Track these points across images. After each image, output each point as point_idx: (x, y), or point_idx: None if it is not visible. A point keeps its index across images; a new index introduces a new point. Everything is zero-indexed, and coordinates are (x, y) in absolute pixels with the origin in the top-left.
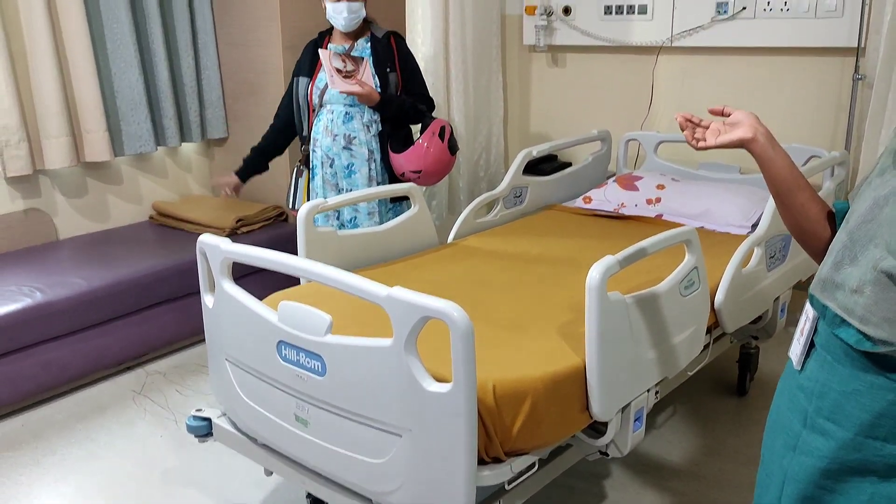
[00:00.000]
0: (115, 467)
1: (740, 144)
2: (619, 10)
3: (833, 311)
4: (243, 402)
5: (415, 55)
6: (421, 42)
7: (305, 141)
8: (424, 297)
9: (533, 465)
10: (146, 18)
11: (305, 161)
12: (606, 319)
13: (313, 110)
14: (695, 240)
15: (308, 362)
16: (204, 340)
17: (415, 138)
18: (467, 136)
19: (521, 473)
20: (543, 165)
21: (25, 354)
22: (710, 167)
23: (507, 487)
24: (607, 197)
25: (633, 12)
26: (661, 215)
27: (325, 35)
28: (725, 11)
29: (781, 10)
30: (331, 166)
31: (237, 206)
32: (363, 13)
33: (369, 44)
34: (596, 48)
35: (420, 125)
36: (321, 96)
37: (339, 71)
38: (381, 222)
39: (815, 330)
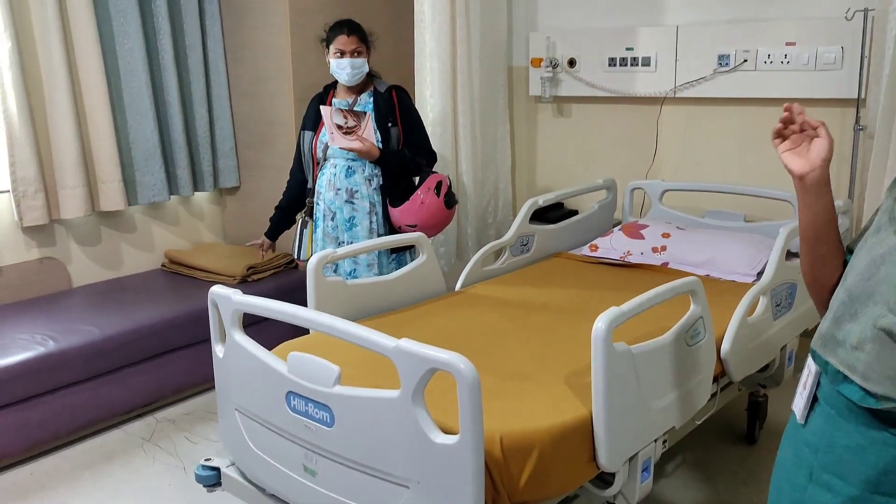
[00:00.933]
0: None
1: (791, 172)
2: (623, 62)
3: (835, 367)
4: (252, 452)
5: (424, 107)
6: (430, 94)
7: (310, 193)
8: (431, 349)
9: None
10: (162, 71)
11: (310, 212)
12: (613, 370)
13: (317, 164)
14: (699, 290)
15: (316, 413)
16: (213, 388)
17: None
18: (475, 184)
19: None
20: (550, 213)
21: (37, 402)
22: (716, 215)
23: None
24: (613, 245)
25: (637, 64)
26: (667, 263)
27: (330, 89)
28: (727, 64)
29: (782, 62)
30: (332, 219)
31: (248, 255)
32: (366, 68)
33: (372, 98)
34: (601, 99)
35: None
36: (325, 151)
37: (339, 127)
38: (381, 274)
39: (818, 384)
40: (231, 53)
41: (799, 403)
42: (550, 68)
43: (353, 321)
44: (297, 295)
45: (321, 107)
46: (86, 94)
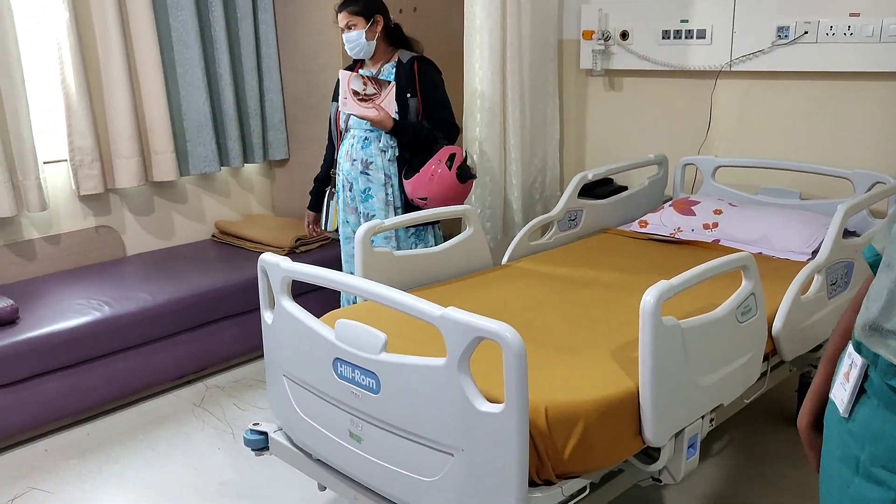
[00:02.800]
0: (173, 478)
1: None
2: (678, 34)
3: (886, 360)
4: (299, 418)
5: (472, 80)
6: (479, 67)
7: (334, 164)
8: (478, 317)
9: (584, 489)
10: (214, 43)
11: (334, 183)
12: (660, 344)
13: (341, 135)
14: (752, 265)
15: (363, 380)
16: (261, 356)
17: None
18: (522, 159)
19: (571, 497)
20: (599, 189)
21: (93, 366)
22: (770, 192)
23: None
24: (663, 221)
25: (692, 37)
26: (718, 240)
27: (359, 60)
28: (786, 36)
29: (845, 34)
30: (350, 190)
31: (296, 227)
32: (363, 41)
33: (395, 69)
34: (653, 72)
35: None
36: (346, 122)
37: (356, 93)
38: (399, 248)
39: (864, 376)
40: (282, 27)
41: (841, 395)
42: (602, 41)
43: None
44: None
45: (340, 71)
46: (140, 66)
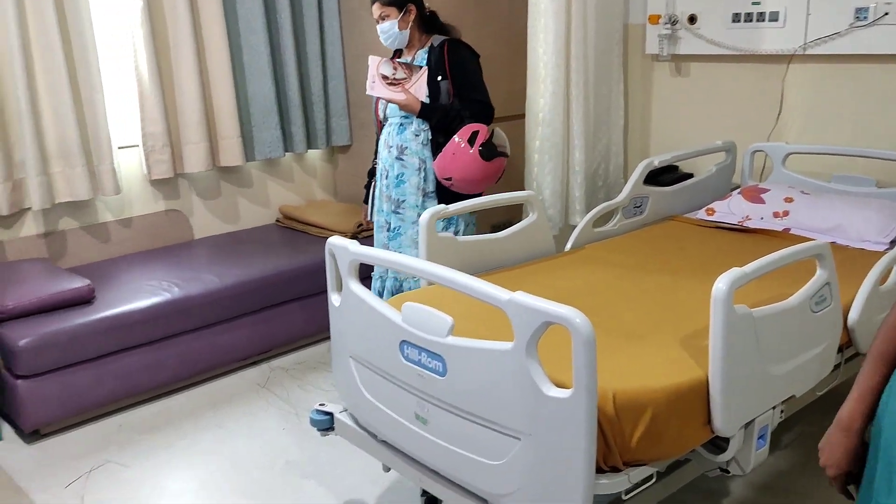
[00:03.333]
0: (241, 455)
1: None
2: (749, 17)
3: None
4: (365, 399)
5: (536, 65)
6: (542, 51)
7: (376, 155)
8: (546, 302)
9: (651, 477)
10: (279, 31)
11: (374, 173)
12: (732, 333)
13: (380, 125)
14: (827, 254)
15: (429, 362)
16: (324, 339)
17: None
18: (586, 145)
19: (638, 484)
20: (663, 176)
21: (163, 345)
22: (844, 180)
23: (623, 498)
24: (731, 209)
25: (764, 19)
26: (789, 229)
27: (397, 49)
28: (865, 17)
29: None
30: (386, 178)
31: (357, 212)
32: (395, 31)
33: (427, 54)
34: (722, 57)
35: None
36: (384, 111)
37: (385, 77)
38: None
39: None
40: (345, 14)
41: None
42: (669, 25)
43: None
44: None
45: (370, 56)
46: (209, 54)
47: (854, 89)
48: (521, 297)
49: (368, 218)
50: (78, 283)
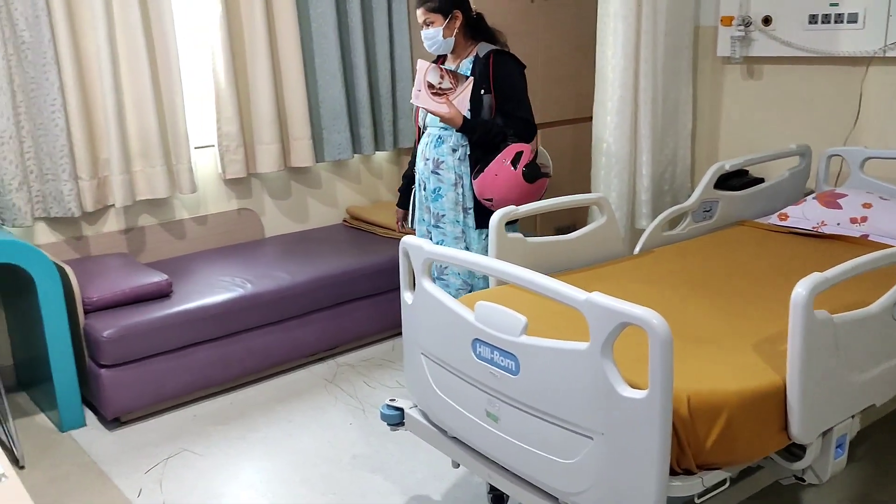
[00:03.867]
0: (309, 448)
1: None
2: (826, 18)
3: None
4: (436, 396)
5: (605, 68)
6: (612, 55)
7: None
8: (623, 303)
9: (724, 482)
10: (350, 34)
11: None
12: (812, 338)
13: (419, 132)
14: None
15: (502, 361)
16: (389, 337)
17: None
18: (653, 148)
19: (712, 488)
20: (733, 181)
21: (235, 339)
22: None
23: (696, 501)
24: (806, 214)
25: (842, 21)
26: (867, 235)
27: (442, 55)
28: None
29: None
30: (423, 189)
31: None
32: (440, 38)
33: (472, 64)
34: (798, 59)
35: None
36: (424, 119)
37: (431, 86)
38: (467, 247)
39: None
40: (414, 17)
41: None
42: (742, 27)
43: None
44: None
45: (419, 60)
46: (282, 57)
47: None
48: (599, 297)
49: (410, 225)
50: (157, 278)
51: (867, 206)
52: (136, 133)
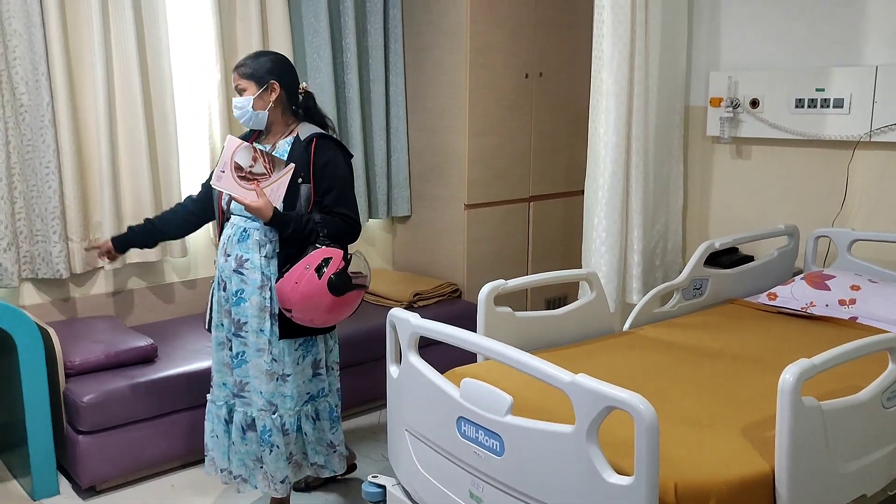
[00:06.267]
0: None
1: None
2: (813, 103)
3: None
4: (419, 473)
5: (597, 144)
6: (604, 132)
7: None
8: (609, 386)
9: None
10: (347, 104)
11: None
12: (800, 426)
13: (221, 219)
14: None
15: (487, 440)
16: (374, 408)
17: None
18: (645, 223)
19: None
20: (722, 258)
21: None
22: None
23: None
24: (794, 294)
25: (828, 106)
26: (856, 318)
27: (257, 130)
28: None
29: None
30: (224, 290)
31: (415, 281)
32: (249, 109)
33: (290, 146)
34: (785, 141)
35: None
36: (229, 204)
37: (239, 168)
38: (274, 362)
39: None
40: (411, 89)
41: None
42: (731, 108)
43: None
44: (460, 324)
45: (229, 136)
46: None
47: None
48: (584, 380)
49: (206, 327)
50: (142, 342)
51: (855, 288)
52: (129, 196)
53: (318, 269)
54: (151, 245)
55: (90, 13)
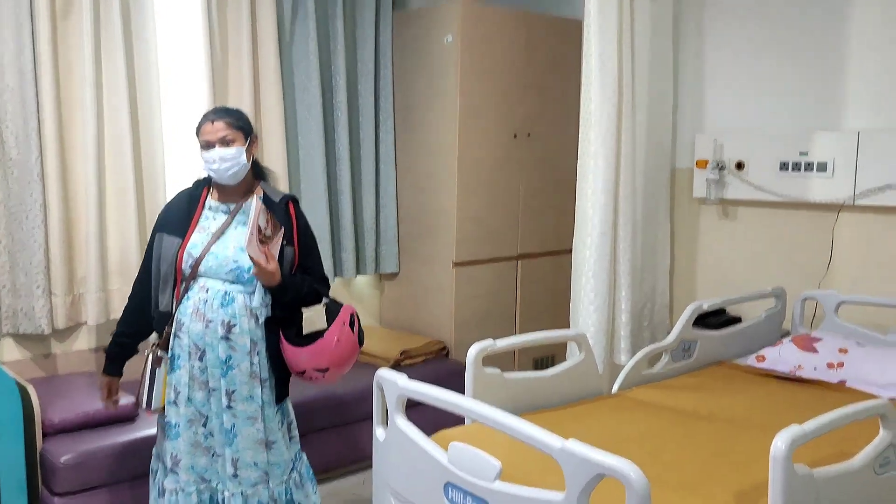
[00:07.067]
0: None
1: None
2: (797, 166)
3: None
4: None
5: (584, 204)
6: (591, 192)
7: (165, 320)
8: (600, 452)
9: None
10: (337, 161)
11: (165, 346)
12: (792, 494)
13: (181, 282)
14: (892, 414)
15: None
16: (359, 470)
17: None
18: (633, 284)
19: None
20: (710, 319)
21: None
22: None
23: None
24: (782, 357)
25: (812, 169)
26: (845, 382)
27: (203, 185)
28: None
29: None
30: (200, 359)
31: (401, 339)
32: (243, 160)
33: (269, 207)
34: (770, 203)
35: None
36: (193, 266)
37: (259, 231)
38: (266, 429)
39: None
40: (401, 147)
41: None
42: (717, 170)
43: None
44: (448, 383)
45: (255, 198)
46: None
47: None
48: (574, 445)
49: (146, 405)
50: (123, 401)
51: (843, 351)
52: (115, 251)
53: (350, 324)
54: (136, 351)
55: (83, 70)
